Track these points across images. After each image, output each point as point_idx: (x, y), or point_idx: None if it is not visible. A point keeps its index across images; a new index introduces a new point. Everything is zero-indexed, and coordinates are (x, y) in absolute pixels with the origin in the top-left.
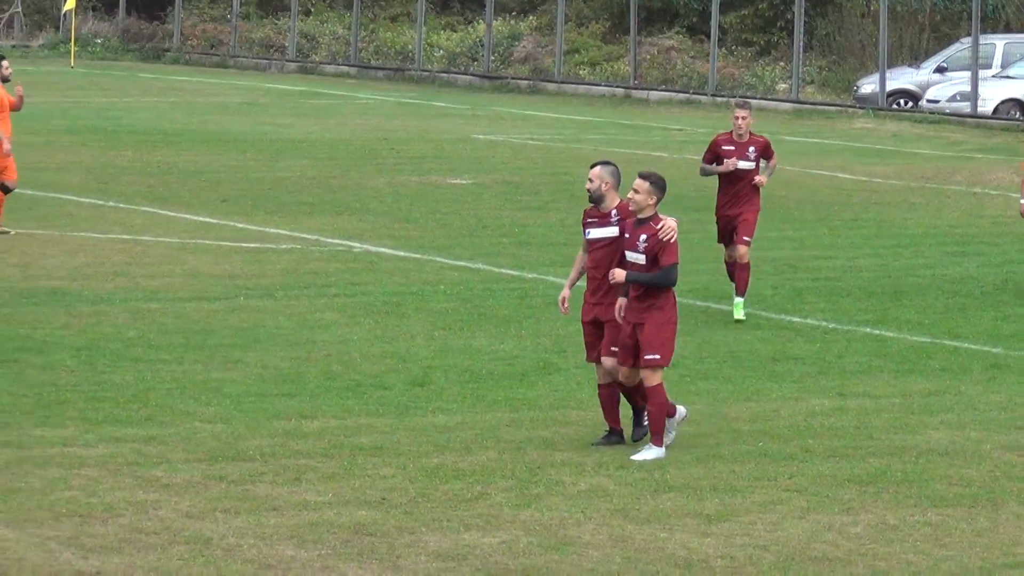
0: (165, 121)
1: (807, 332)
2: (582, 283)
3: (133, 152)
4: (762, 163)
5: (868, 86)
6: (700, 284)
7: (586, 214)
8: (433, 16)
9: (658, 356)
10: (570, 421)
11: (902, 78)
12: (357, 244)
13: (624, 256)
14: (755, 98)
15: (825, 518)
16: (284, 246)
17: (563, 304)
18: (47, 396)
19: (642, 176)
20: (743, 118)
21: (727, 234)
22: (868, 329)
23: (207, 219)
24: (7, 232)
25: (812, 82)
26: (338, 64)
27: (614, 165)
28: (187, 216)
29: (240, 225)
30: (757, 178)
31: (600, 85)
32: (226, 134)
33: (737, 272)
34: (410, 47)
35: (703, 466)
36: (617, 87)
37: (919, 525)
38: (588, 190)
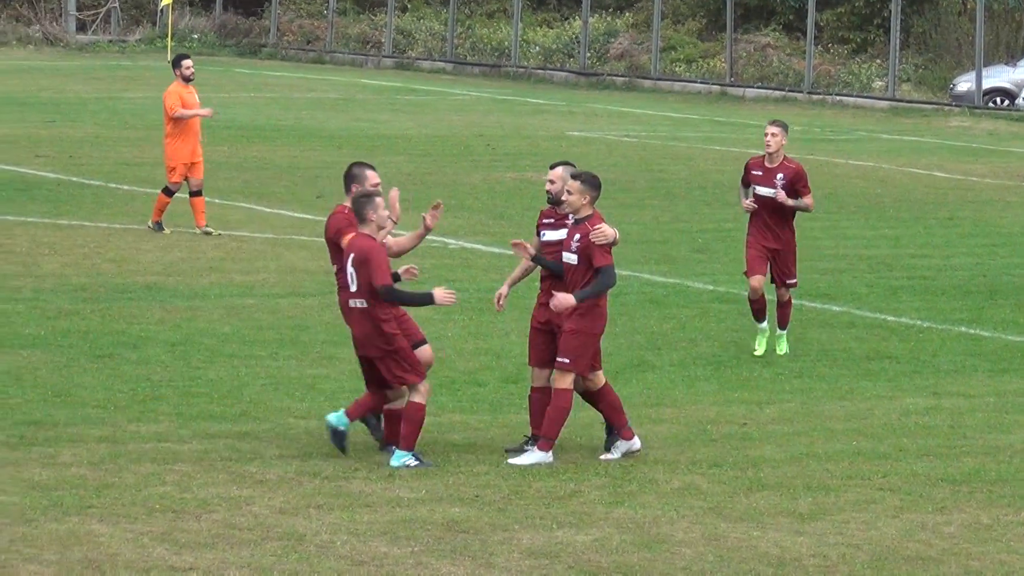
0: (261, 117)
1: (902, 331)
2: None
3: (229, 147)
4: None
5: (964, 84)
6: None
7: (542, 215)
8: (529, 12)
9: (567, 361)
10: (664, 419)
11: (999, 76)
12: (452, 241)
13: (562, 258)
14: (851, 96)
15: (918, 517)
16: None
17: (499, 301)
18: (141, 391)
19: (573, 176)
20: (773, 135)
21: (758, 265)
22: (963, 328)
23: (302, 215)
24: (210, 231)
25: (908, 80)
26: (434, 60)
27: (575, 167)
28: (282, 212)
29: None
30: (778, 193)
31: (696, 82)
32: (322, 130)
33: (779, 309)
34: (506, 43)
35: (796, 464)
36: (713, 84)
37: (1013, 525)
38: (548, 191)
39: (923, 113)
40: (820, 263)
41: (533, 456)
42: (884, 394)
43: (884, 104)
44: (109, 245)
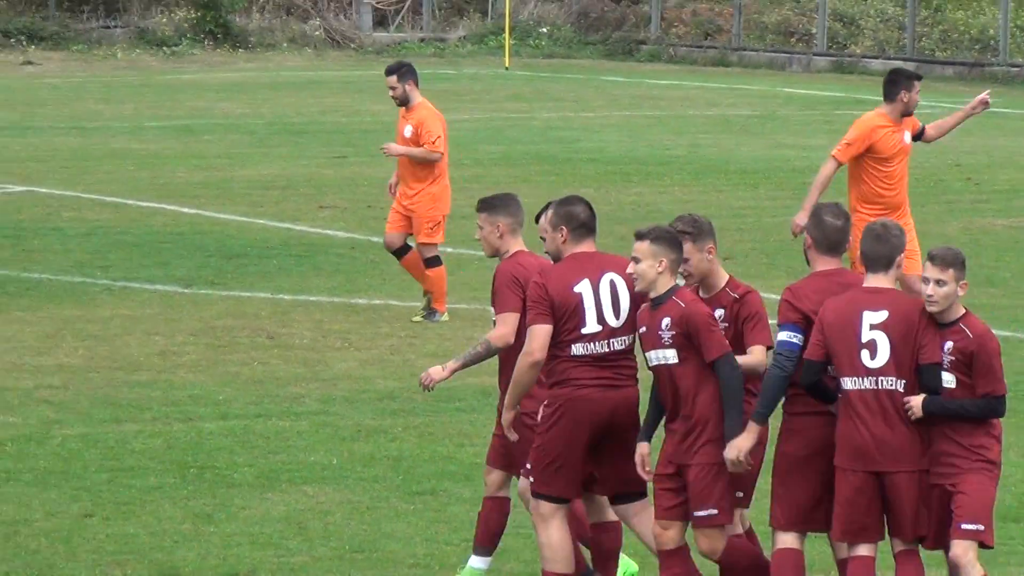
0: (641, 144)
1: None
2: None
3: (595, 189)
4: None
5: None
6: None
7: None
8: None
9: None
10: None
11: None
12: None
13: None
14: None
15: None
16: None
17: None
18: None
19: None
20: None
21: None
22: None
23: None
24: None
25: None
26: (888, 58)
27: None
28: None
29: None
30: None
31: None
32: (728, 162)
33: None
34: (991, 32)
35: None
36: None
37: None
38: None
39: None
40: None
41: None
42: None
43: None
44: (428, 333)
